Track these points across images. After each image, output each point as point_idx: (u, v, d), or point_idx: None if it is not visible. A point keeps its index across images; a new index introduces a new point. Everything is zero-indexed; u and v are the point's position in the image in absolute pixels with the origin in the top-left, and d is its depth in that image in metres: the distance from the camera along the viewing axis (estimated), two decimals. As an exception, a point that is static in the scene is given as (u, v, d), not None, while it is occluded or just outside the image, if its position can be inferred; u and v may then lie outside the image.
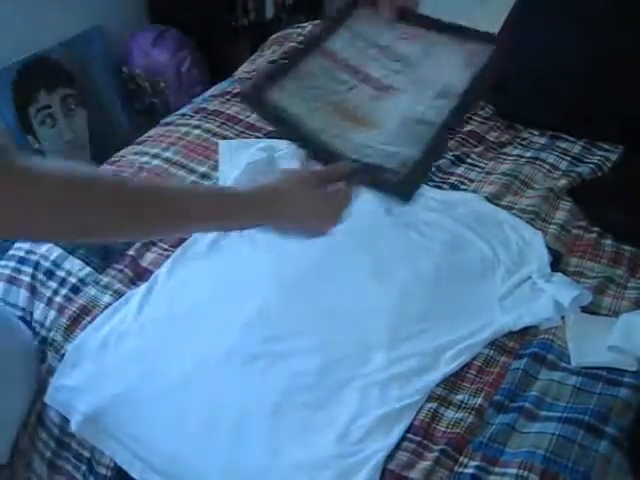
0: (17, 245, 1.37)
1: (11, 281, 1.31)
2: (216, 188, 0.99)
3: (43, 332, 1.25)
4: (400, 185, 0.92)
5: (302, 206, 0.95)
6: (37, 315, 1.27)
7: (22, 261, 1.34)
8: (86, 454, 1.16)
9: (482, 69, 1.04)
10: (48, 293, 1.29)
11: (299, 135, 0.98)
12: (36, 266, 1.33)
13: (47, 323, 1.25)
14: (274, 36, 2.09)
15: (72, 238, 0.89)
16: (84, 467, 1.17)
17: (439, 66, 1.06)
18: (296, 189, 0.95)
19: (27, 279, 1.31)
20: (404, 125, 0.98)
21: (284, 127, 1.00)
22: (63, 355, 1.20)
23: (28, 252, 1.35)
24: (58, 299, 1.28)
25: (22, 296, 1.30)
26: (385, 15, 1.10)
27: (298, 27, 2.11)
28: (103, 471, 1.13)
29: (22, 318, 1.28)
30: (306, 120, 0.99)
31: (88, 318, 1.24)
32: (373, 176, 0.94)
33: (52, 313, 1.26)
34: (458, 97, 1.00)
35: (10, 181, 0.69)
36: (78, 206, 0.75)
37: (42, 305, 1.28)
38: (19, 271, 1.33)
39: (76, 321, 1.24)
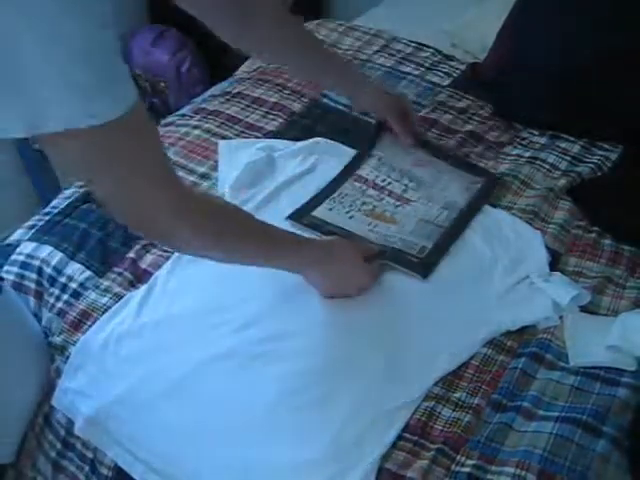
0: (18, 250, 1.36)
1: (18, 287, 1.31)
2: (288, 232, 1.19)
3: (49, 337, 1.25)
4: (420, 266, 1.25)
5: (346, 264, 1.19)
6: (44, 322, 1.28)
7: (25, 266, 1.34)
8: (89, 455, 1.17)
9: (478, 191, 1.42)
10: (51, 300, 1.29)
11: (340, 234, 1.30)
12: (39, 272, 1.33)
13: (52, 328, 1.26)
14: (274, 36, 2.09)
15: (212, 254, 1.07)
16: (87, 467, 1.17)
17: (445, 188, 1.43)
18: (344, 247, 1.21)
19: (33, 285, 1.32)
20: (419, 225, 1.34)
21: (326, 232, 1.31)
22: (67, 358, 1.20)
23: (29, 257, 1.35)
24: (60, 304, 1.28)
25: (31, 303, 1.30)
26: (404, 142, 1.48)
27: (298, 27, 2.11)
28: (105, 471, 1.14)
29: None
30: (344, 225, 1.33)
31: (89, 322, 1.24)
32: (398, 257, 1.26)
33: (55, 318, 1.27)
34: (459, 210, 1.37)
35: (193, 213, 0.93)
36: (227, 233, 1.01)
37: (46, 311, 1.29)
38: (23, 277, 1.33)
39: (77, 326, 1.24)
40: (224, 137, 1.61)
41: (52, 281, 1.31)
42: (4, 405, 1.15)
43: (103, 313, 1.24)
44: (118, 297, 1.26)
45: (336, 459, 1.01)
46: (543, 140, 1.62)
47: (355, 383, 1.10)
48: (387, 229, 1.32)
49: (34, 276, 1.32)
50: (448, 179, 1.45)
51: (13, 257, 1.35)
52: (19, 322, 1.22)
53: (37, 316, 1.28)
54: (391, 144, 1.51)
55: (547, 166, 1.54)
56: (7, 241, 1.41)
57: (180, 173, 1.51)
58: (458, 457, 1.02)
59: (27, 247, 1.36)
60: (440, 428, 1.05)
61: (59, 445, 1.20)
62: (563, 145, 1.60)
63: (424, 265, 1.25)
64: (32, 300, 1.30)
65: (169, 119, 1.73)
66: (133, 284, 1.29)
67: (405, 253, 1.27)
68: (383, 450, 1.02)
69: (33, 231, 1.40)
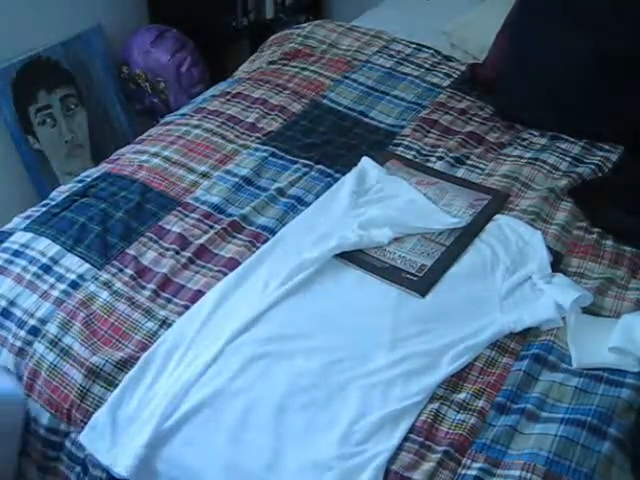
0: (12, 238, 1.35)
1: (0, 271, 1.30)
2: None
3: (33, 322, 1.22)
4: (417, 283, 1.25)
5: None
6: (27, 305, 1.24)
7: (17, 254, 1.32)
8: (80, 455, 1.15)
9: (483, 209, 1.40)
10: (44, 286, 1.27)
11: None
12: (31, 260, 1.31)
13: (40, 314, 1.23)
14: (274, 36, 2.10)
15: None
16: (78, 468, 1.16)
17: (448, 204, 1.42)
18: None
19: (17, 270, 1.29)
20: (420, 242, 1.34)
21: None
22: (56, 345, 1.18)
23: (24, 246, 1.33)
24: (55, 293, 1.26)
25: (6, 285, 1.27)
26: None
27: (298, 27, 2.11)
28: (98, 473, 1.12)
29: (5, 308, 1.25)
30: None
31: (87, 311, 1.22)
32: (396, 275, 1.26)
33: (47, 306, 1.24)
34: (462, 228, 1.35)
35: None
36: None
37: (35, 297, 1.26)
38: (11, 262, 1.31)
39: (75, 315, 1.22)
40: (224, 137, 1.61)
41: (46, 269, 1.30)
42: None
43: (103, 307, 1.23)
44: (119, 295, 1.25)
45: (343, 461, 1.01)
46: (543, 141, 1.62)
47: (361, 385, 1.10)
48: (390, 246, 1.32)
49: (23, 262, 1.30)
50: (452, 196, 1.43)
51: (5, 244, 1.34)
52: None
53: (10, 299, 1.26)
54: (396, 168, 1.50)
55: (548, 167, 1.54)
56: (2, 228, 1.40)
57: (180, 172, 1.51)
58: (464, 460, 1.01)
59: (23, 237, 1.35)
60: (445, 430, 1.05)
61: (40, 446, 1.19)
62: (564, 146, 1.60)
63: (422, 284, 1.25)
64: (9, 282, 1.27)
65: (168, 118, 1.73)
66: (134, 278, 1.28)
67: (404, 271, 1.27)
68: (390, 452, 1.01)
69: (29, 221, 1.39)
